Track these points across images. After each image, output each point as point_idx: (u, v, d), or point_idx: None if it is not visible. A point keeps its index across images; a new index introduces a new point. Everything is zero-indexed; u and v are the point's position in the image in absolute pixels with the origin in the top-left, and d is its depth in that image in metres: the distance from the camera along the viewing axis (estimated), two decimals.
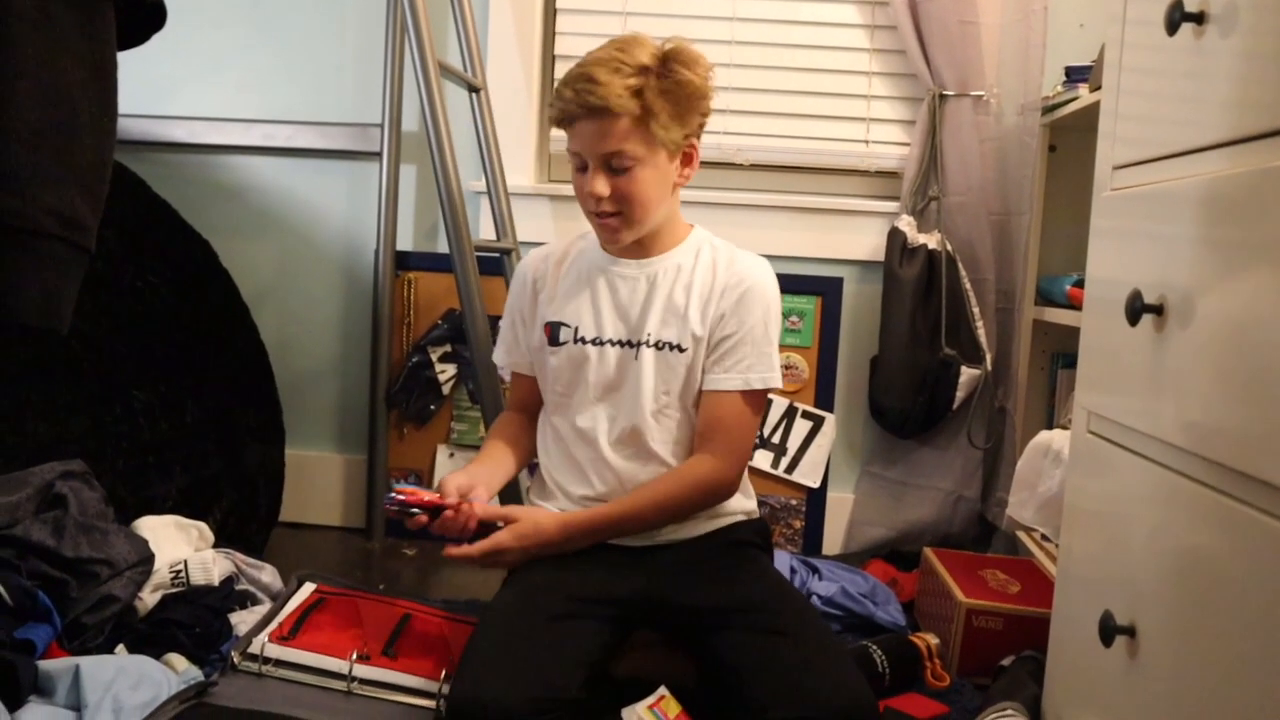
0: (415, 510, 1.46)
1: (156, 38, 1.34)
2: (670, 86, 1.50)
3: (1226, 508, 0.93)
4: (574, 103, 1.49)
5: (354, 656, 1.42)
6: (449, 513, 1.47)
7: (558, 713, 1.26)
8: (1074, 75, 2.26)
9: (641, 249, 1.62)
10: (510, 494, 2.14)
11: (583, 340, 1.61)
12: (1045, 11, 2.30)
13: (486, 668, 1.30)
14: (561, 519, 1.56)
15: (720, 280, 1.59)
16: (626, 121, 1.48)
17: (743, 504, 1.67)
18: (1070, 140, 2.36)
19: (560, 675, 1.31)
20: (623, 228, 1.56)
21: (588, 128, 1.50)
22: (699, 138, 1.60)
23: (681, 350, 1.58)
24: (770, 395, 2.44)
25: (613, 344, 1.60)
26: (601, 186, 1.51)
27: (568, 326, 1.63)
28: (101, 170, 1.20)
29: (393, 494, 1.47)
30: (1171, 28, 1.06)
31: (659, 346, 1.58)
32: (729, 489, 1.60)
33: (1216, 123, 1.00)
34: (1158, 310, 1.07)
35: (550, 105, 1.55)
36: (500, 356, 1.77)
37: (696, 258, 1.62)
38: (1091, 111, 1.80)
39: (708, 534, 1.61)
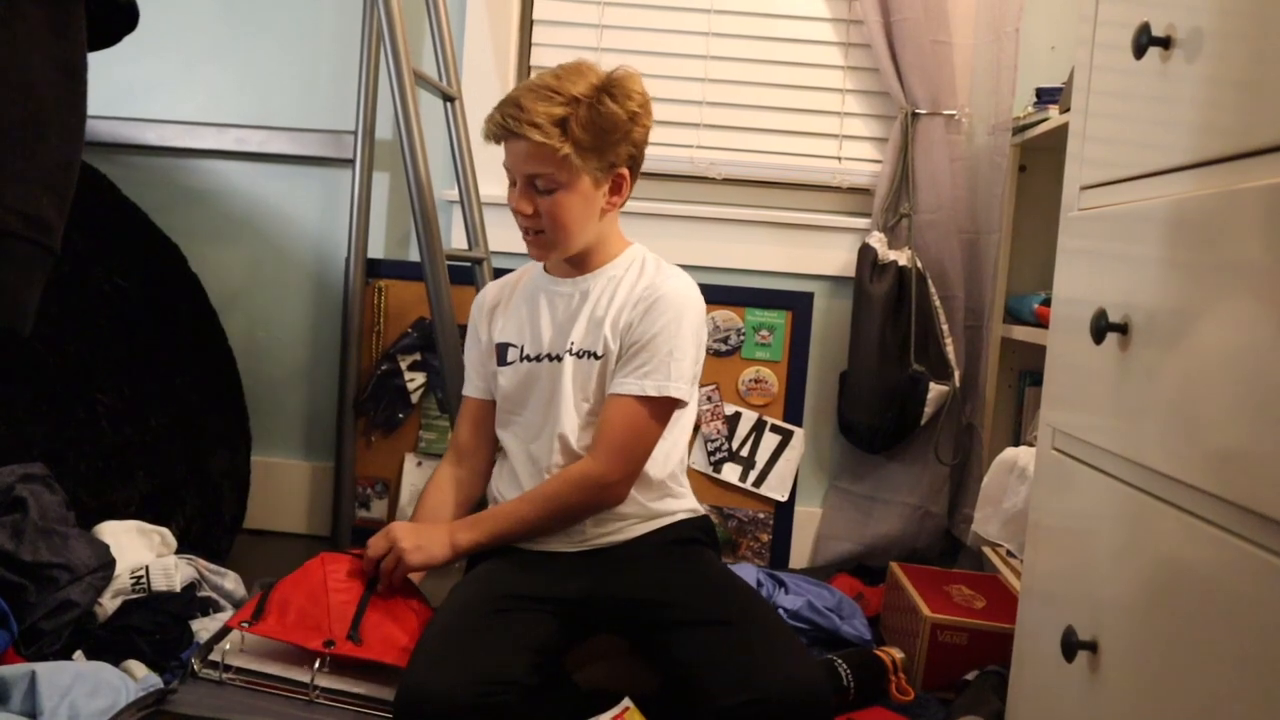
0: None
1: (130, 40, 1.34)
2: (595, 118, 1.53)
3: (1190, 525, 0.93)
4: (499, 124, 1.54)
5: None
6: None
7: (503, 696, 1.28)
8: (1044, 97, 2.29)
9: (576, 267, 1.67)
10: None
11: (527, 358, 1.65)
12: (1017, 34, 2.33)
13: (432, 661, 1.33)
14: (449, 527, 1.59)
15: (637, 292, 1.61)
16: (546, 149, 1.52)
17: (685, 503, 1.69)
18: (1040, 161, 2.38)
19: (504, 659, 1.33)
20: (545, 246, 1.62)
21: (512, 148, 1.56)
22: (631, 167, 1.63)
23: (597, 357, 1.60)
24: (739, 410, 2.45)
25: (549, 359, 1.64)
26: (525, 204, 1.58)
27: (514, 346, 1.68)
28: (69, 170, 1.19)
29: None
30: (1139, 52, 1.07)
31: (579, 355, 1.61)
32: (612, 492, 1.58)
33: (1182, 145, 1.02)
34: (1122, 329, 1.08)
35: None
36: (469, 389, 1.78)
37: (627, 271, 1.65)
38: (1061, 132, 1.83)
39: (651, 532, 1.63)
